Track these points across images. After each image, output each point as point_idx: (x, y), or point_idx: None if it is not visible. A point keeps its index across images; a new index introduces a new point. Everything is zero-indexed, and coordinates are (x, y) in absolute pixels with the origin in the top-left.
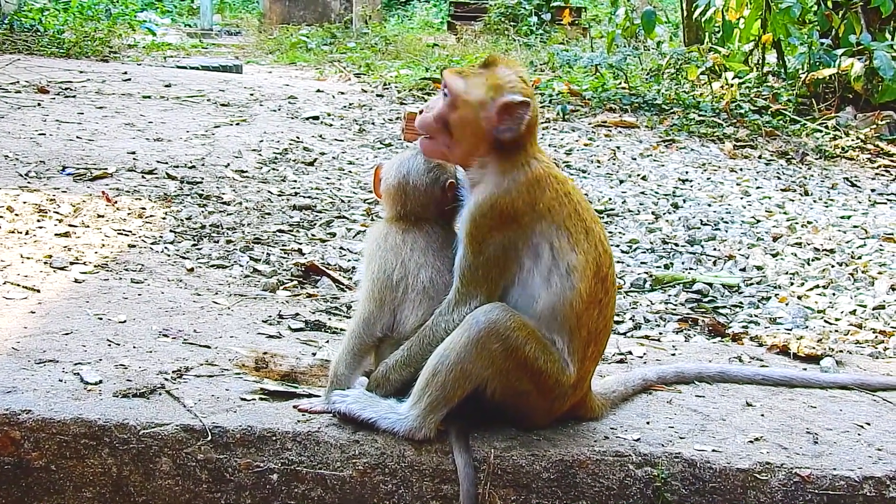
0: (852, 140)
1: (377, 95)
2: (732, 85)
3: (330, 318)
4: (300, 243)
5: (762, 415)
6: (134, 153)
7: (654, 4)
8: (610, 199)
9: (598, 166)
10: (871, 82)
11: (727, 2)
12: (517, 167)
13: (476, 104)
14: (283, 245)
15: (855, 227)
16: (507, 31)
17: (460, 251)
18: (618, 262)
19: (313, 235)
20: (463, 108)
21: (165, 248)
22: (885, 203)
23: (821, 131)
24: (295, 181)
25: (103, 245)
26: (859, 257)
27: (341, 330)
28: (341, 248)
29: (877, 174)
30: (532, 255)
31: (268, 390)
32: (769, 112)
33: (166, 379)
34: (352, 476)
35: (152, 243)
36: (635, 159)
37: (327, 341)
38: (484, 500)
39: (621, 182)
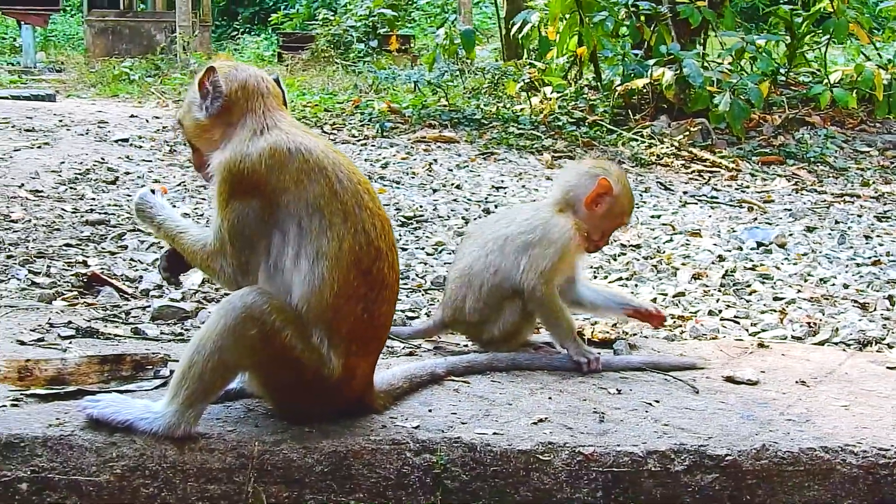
0: (667, 147)
1: None
2: (551, 99)
3: (105, 325)
4: (87, 256)
5: (550, 398)
6: None
7: (478, 28)
8: (421, 206)
9: (413, 177)
10: (684, 92)
11: (543, 18)
12: (256, 135)
13: (186, 103)
14: (67, 258)
15: (664, 224)
16: (334, 58)
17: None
18: (421, 263)
19: (103, 249)
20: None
21: None
22: (696, 203)
23: (636, 140)
24: (93, 199)
25: None
26: (664, 252)
27: (116, 336)
28: (132, 259)
29: (690, 178)
30: (280, 234)
31: (37, 394)
32: (587, 123)
33: None
34: (109, 481)
35: None
36: (451, 170)
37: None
38: (248, 498)
39: (435, 191)
